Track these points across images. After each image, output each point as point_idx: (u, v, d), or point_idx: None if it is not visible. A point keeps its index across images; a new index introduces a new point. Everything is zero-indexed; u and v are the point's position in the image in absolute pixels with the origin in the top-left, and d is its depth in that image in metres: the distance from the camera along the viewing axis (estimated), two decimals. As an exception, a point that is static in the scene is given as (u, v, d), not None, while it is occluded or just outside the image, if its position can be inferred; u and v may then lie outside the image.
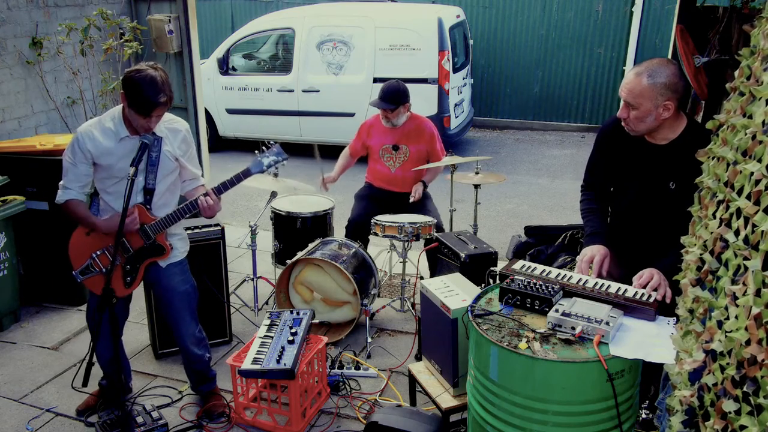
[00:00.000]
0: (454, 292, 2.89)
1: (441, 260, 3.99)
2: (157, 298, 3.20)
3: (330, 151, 5.93)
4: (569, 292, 2.40)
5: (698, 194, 1.92)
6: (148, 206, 2.97)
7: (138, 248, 3.00)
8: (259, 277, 4.47)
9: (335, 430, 3.27)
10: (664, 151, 2.57)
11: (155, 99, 2.75)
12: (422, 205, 4.50)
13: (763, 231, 1.39)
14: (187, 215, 2.99)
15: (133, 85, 2.74)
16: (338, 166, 4.73)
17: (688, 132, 2.55)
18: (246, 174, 3.03)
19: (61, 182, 2.97)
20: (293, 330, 3.26)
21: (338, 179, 4.71)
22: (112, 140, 2.89)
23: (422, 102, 7.70)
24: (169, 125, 3.02)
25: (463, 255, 3.67)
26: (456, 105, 8.50)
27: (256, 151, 3.10)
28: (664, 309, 2.35)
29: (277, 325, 3.33)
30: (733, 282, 1.53)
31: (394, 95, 4.34)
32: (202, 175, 3.24)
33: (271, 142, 3.15)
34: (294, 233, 4.38)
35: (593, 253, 2.62)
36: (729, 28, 3.65)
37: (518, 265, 2.67)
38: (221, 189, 2.98)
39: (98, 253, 3.00)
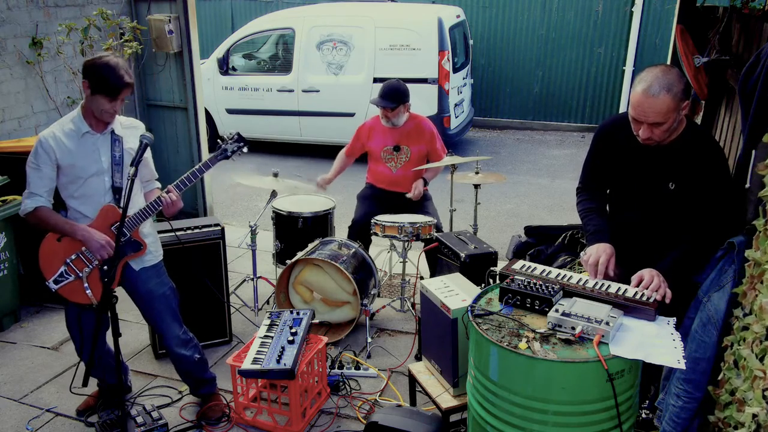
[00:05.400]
0: (454, 292, 2.89)
1: (441, 260, 3.99)
2: (137, 304, 3.19)
3: (330, 151, 5.93)
4: (569, 292, 2.40)
5: (762, 207, 1.89)
6: (118, 205, 2.96)
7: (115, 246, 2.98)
8: (259, 277, 4.48)
9: (335, 430, 3.27)
10: (665, 152, 2.56)
11: (123, 80, 2.79)
12: (422, 207, 4.50)
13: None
14: (155, 212, 3.00)
15: (98, 70, 2.78)
16: (334, 167, 4.73)
17: (687, 133, 2.54)
18: (207, 166, 3.05)
19: (25, 191, 2.91)
20: (293, 330, 3.26)
21: (335, 179, 4.71)
22: (74, 139, 2.90)
23: (422, 102, 7.70)
24: (128, 125, 3.06)
25: (463, 255, 3.67)
26: (456, 105, 8.50)
27: (218, 140, 3.13)
28: (664, 309, 2.35)
29: (277, 325, 3.33)
30: None
31: (394, 94, 4.34)
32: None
33: (232, 131, 3.17)
34: (295, 233, 4.38)
35: (599, 253, 2.56)
36: (729, 28, 3.65)
37: (518, 265, 2.66)
38: (181, 186, 3.00)
39: (72, 257, 2.94)
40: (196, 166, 3.06)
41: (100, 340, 3.08)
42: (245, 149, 3.15)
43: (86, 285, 2.96)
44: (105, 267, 2.95)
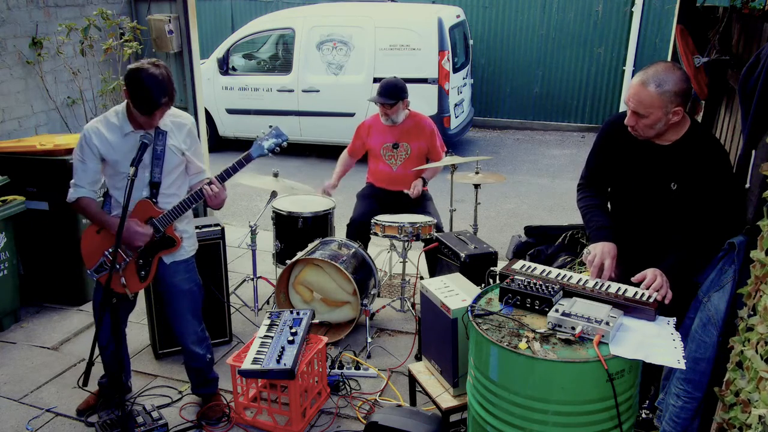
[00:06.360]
0: (454, 292, 2.89)
1: (441, 260, 3.99)
2: (160, 295, 3.22)
3: (330, 152, 5.93)
4: (569, 292, 2.40)
5: (766, 208, 1.89)
6: (154, 200, 2.96)
7: (149, 242, 3.00)
8: (259, 277, 4.48)
9: (335, 430, 3.27)
10: (667, 152, 2.55)
11: (157, 100, 2.76)
12: (423, 207, 4.50)
13: None
14: (194, 205, 3.00)
15: (135, 83, 2.75)
16: (337, 171, 4.73)
17: (691, 133, 2.53)
18: (248, 159, 3.02)
19: (72, 181, 2.98)
20: (293, 330, 3.26)
21: (339, 184, 4.70)
22: (117, 135, 2.90)
23: (422, 102, 7.70)
24: (175, 119, 3.02)
25: (463, 255, 3.67)
26: (456, 105, 8.50)
27: (257, 136, 3.09)
28: (664, 309, 2.34)
29: (277, 325, 3.33)
30: None
31: (392, 90, 4.34)
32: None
33: (270, 126, 3.13)
34: (295, 233, 4.38)
35: (603, 256, 2.54)
36: (729, 28, 3.64)
37: (518, 265, 2.66)
38: (224, 176, 2.99)
39: (110, 250, 2.98)
40: (239, 158, 3.01)
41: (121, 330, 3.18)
42: (285, 144, 3.08)
43: (122, 277, 3.01)
44: (141, 261, 3.00)
